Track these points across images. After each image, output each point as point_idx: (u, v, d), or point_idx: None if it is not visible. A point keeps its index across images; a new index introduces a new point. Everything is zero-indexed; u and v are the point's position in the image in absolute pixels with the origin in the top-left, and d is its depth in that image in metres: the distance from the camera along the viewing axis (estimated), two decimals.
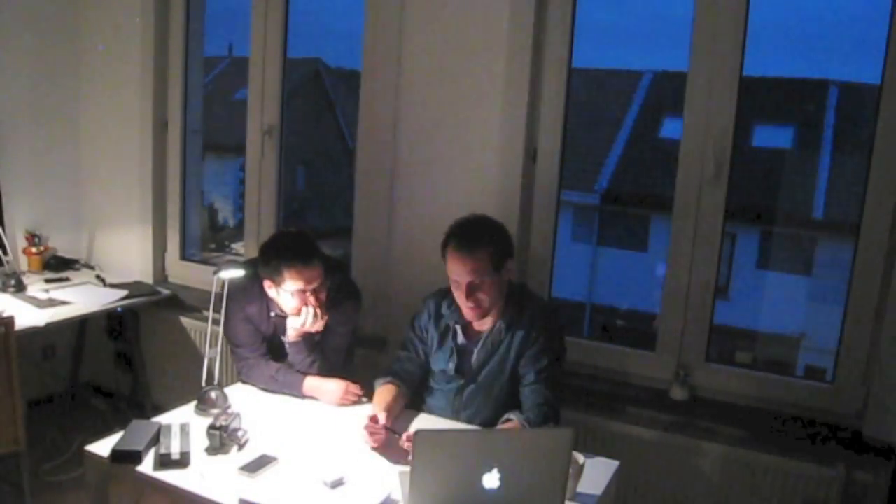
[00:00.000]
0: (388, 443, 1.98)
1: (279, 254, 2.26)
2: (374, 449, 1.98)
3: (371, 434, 1.98)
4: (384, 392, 2.20)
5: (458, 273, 2.09)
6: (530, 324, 2.18)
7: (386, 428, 1.98)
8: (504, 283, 2.16)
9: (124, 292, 3.33)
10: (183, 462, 1.85)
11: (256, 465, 1.86)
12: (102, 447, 1.92)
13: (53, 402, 3.66)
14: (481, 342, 2.21)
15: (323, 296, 2.31)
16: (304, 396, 2.32)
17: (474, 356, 2.22)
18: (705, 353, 2.61)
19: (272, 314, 2.41)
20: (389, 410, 2.08)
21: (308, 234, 2.36)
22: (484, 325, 2.22)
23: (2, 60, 3.41)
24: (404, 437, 1.94)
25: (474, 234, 2.11)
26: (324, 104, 3.65)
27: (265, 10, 3.28)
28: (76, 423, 3.44)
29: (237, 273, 2.36)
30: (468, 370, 2.23)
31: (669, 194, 2.58)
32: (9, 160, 3.48)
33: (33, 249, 3.51)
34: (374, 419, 2.00)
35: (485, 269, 2.07)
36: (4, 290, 3.13)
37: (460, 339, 2.24)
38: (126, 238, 3.71)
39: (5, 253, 3.22)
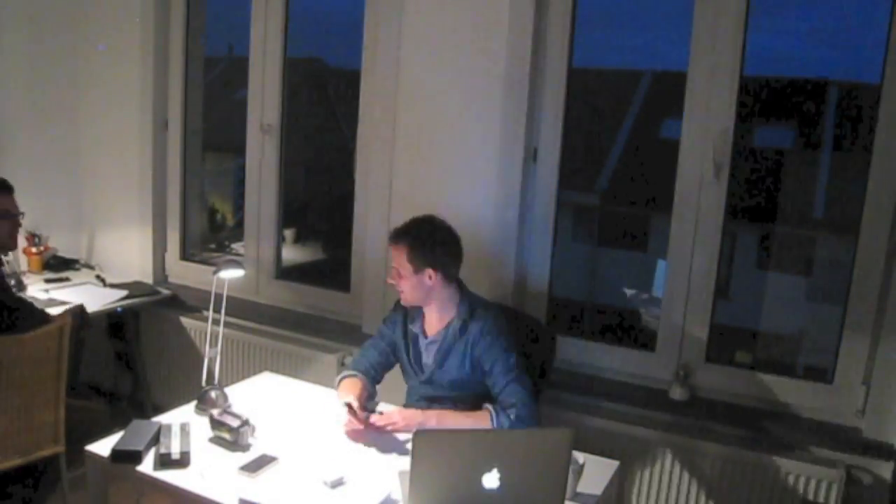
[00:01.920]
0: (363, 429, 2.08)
1: None
2: (349, 434, 2.09)
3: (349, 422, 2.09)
4: (349, 384, 2.26)
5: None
6: (480, 335, 2.20)
7: (353, 410, 2.07)
8: (423, 286, 2.20)
9: (124, 292, 3.34)
10: (183, 462, 1.86)
11: (256, 465, 1.86)
12: (102, 447, 1.93)
13: None
14: (436, 345, 2.27)
15: None
16: None
17: (424, 356, 2.30)
18: (705, 353, 2.61)
19: None
20: (359, 399, 2.14)
21: None
22: (433, 330, 2.29)
23: (2, 60, 3.41)
24: (372, 419, 2.08)
25: (402, 230, 2.24)
26: (324, 104, 3.65)
27: (265, 10, 3.29)
28: (76, 423, 3.43)
29: (237, 273, 2.37)
30: (425, 367, 2.31)
31: (669, 194, 2.58)
32: (9, 160, 3.48)
33: (33, 249, 3.51)
34: (349, 407, 2.08)
35: (400, 262, 2.20)
36: None
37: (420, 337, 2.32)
38: (126, 238, 3.72)
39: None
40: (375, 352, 2.38)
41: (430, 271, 2.20)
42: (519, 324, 2.42)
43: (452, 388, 2.25)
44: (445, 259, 2.23)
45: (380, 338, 2.40)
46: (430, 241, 2.22)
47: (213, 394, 2.21)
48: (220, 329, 2.34)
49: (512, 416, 2.07)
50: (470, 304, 2.26)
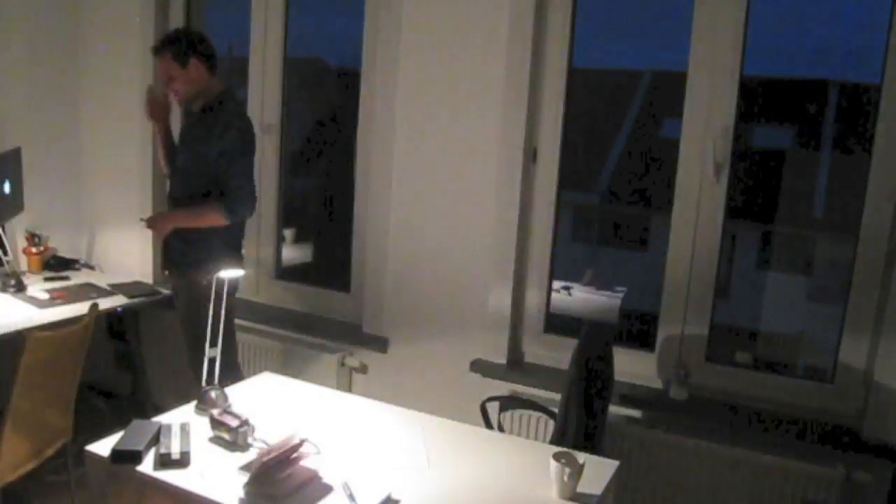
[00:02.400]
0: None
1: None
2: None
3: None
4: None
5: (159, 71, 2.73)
6: (219, 121, 2.62)
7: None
8: (193, 79, 2.64)
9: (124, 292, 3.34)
10: (183, 462, 1.85)
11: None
12: (102, 447, 1.93)
13: None
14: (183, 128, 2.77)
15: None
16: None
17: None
18: (705, 353, 2.61)
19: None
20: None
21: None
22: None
23: (2, 61, 3.41)
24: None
25: (159, 42, 2.66)
26: (324, 104, 3.65)
27: (265, 10, 3.29)
28: (76, 423, 3.44)
29: (237, 273, 2.37)
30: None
31: (669, 194, 2.58)
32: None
33: (33, 249, 3.51)
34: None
35: (170, 66, 2.63)
36: (4, 290, 3.13)
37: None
38: (126, 238, 3.72)
39: (5, 253, 3.22)
40: None
41: (194, 59, 2.61)
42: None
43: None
44: (194, 47, 2.64)
45: None
46: (183, 39, 2.64)
47: (213, 394, 2.21)
48: (220, 328, 2.33)
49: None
50: (221, 102, 2.67)
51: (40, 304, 3.03)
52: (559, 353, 2.75)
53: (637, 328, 2.80)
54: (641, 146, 2.71)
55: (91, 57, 3.68)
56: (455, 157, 2.83)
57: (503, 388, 2.79)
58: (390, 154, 2.95)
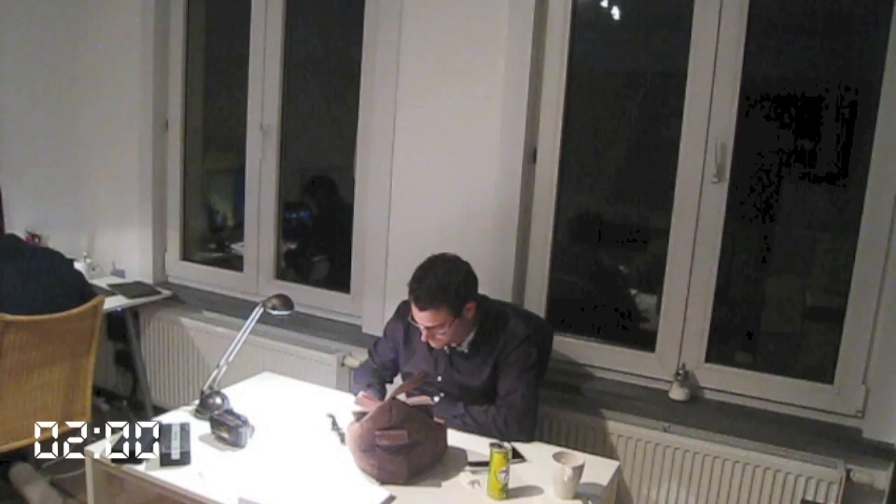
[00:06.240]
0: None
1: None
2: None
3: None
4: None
5: (418, 319, 2.16)
6: (499, 351, 2.22)
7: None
8: (467, 321, 2.20)
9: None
10: (183, 462, 1.86)
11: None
12: (102, 447, 1.93)
13: None
14: (446, 356, 2.28)
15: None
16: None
17: (437, 365, 2.29)
18: (705, 353, 2.61)
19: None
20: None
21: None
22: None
23: (2, 61, 3.41)
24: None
25: (431, 293, 2.12)
26: (324, 104, 3.65)
27: (265, 10, 3.29)
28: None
29: (284, 312, 2.46)
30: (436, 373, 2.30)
31: (670, 195, 2.58)
32: (9, 160, 3.48)
33: None
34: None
35: (442, 320, 2.13)
36: None
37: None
38: (126, 238, 3.72)
39: None
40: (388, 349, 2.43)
41: (469, 304, 2.17)
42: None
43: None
44: (471, 290, 2.21)
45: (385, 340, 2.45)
46: (457, 283, 2.16)
47: (214, 397, 2.21)
48: (238, 345, 2.35)
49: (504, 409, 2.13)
50: (495, 325, 2.25)
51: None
52: (560, 353, 2.75)
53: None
54: (641, 146, 2.71)
55: (91, 57, 3.68)
56: (455, 157, 2.83)
57: None
58: (390, 154, 2.95)
